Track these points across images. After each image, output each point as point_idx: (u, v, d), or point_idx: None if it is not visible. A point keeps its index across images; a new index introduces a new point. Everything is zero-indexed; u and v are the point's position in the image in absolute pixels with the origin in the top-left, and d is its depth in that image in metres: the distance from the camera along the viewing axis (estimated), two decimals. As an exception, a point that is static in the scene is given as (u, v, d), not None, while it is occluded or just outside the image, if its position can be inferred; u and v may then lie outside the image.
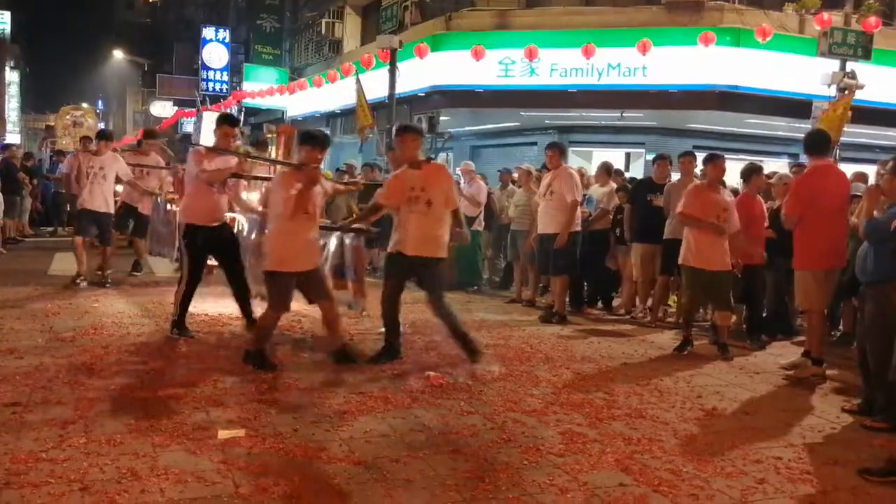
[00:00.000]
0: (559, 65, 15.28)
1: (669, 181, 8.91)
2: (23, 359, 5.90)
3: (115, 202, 10.00)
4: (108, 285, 9.53)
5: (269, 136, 22.89)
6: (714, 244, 7.14)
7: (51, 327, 7.08)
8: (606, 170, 10.12)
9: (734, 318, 8.44)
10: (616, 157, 15.87)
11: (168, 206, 10.10)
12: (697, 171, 8.65)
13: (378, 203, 6.49)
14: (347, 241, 6.80)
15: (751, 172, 8.00)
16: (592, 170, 12.78)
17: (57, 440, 4.20)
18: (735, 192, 8.52)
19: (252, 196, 7.38)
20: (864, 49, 12.90)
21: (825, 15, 12.87)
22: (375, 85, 15.59)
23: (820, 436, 5.09)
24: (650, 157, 12.77)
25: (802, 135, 7.50)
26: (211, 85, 29.49)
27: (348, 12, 24.29)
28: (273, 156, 8.63)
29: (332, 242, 7.51)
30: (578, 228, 8.75)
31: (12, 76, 48.00)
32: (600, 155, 16.17)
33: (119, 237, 11.39)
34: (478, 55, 14.84)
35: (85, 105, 28.53)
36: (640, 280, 9.10)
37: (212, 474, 3.86)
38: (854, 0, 15.44)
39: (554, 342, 7.59)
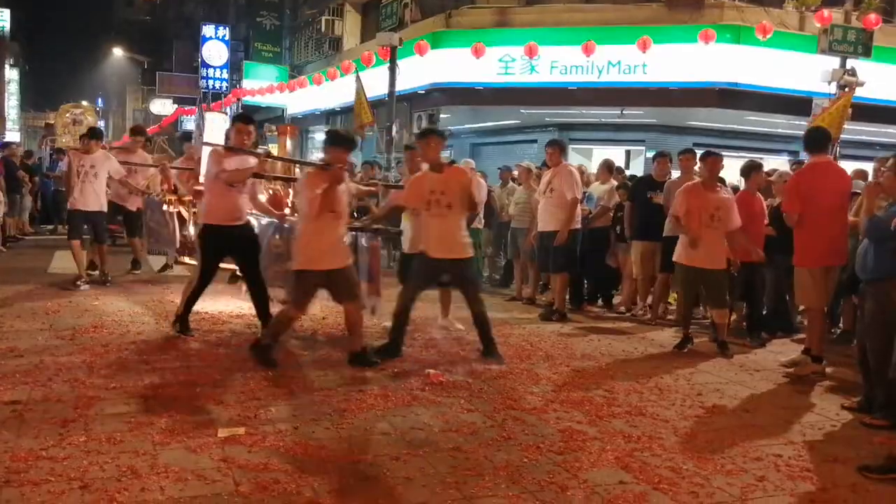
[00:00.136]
0: (559, 62, 15.26)
1: (669, 179, 8.91)
2: (23, 357, 5.90)
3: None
4: (108, 284, 9.48)
5: (270, 133, 22.88)
6: (708, 242, 7.14)
7: (51, 325, 7.08)
8: (608, 167, 10.12)
9: (734, 315, 8.49)
10: (616, 154, 15.85)
11: (165, 207, 9.91)
12: (697, 168, 8.63)
13: (398, 204, 6.59)
14: (363, 241, 6.79)
15: (750, 170, 8.00)
16: (593, 167, 12.80)
17: (57, 438, 4.21)
18: (735, 189, 8.52)
19: (260, 198, 7.35)
20: (864, 46, 12.88)
21: (825, 12, 12.83)
22: (375, 82, 15.59)
23: (820, 433, 5.10)
24: (650, 154, 12.77)
25: (802, 132, 7.49)
26: (211, 83, 29.46)
27: (348, 10, 24.28)
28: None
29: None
30: (578, 226, 8.75)
31: (12, 74, 47.90)
32: (600, 152, 16.17)
33: (119, 235, 11.41)
34: (478, 53, 14.82)
35: (85, 103, 28.38)
36: (640, 278, 9.10)
37: (212, 472, 3.86)
38: (854, -3, 15.43)
39: (554, 340, 7.59)
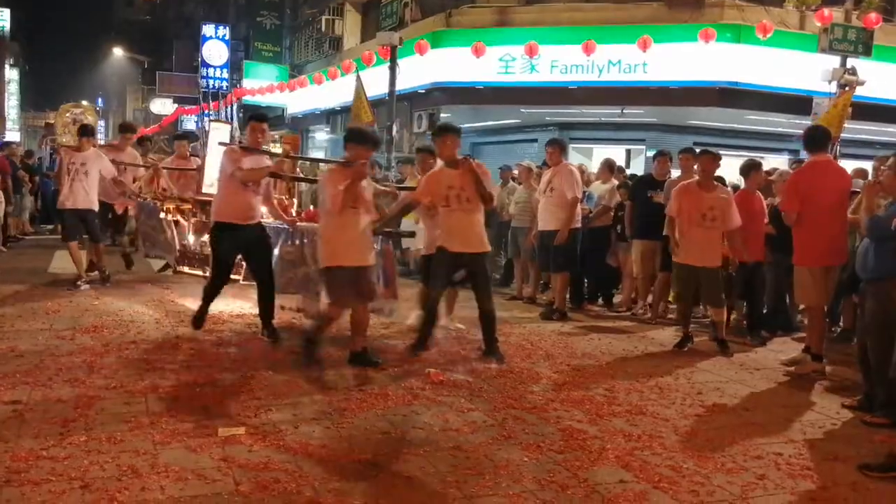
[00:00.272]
0: (559, 61, 15.25)
1: (670, 178, 8.91)
2: (23, 357, 5.90)
3: None
4: (108, 284, 9.43)
5: (273, 142, 22.95)
6: (701, 241, 7.15)
7: (51, 325, 7.08)
8: (609, 166, 10.11)
9: (734, 314, 8.49)
10: (617, 153, 15.85)
11: (162, 215, 9.66)
12: (696, 167, 8.64)
13: (412, 202, 6.65)
14: (377, 245, 6.77)
15: (750, 169, 8.00)
16: (593, 167, 12.79)
17: (57, 438, 4.21)
18: (736, 188, 8.52)
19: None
20: (864, 45, 12.89)
21: (826, 11, 12.82)
22: (376, 82, 15.59)
23: (820, 432, 5.10)
24: (651, 153, 12.77)
25: (803, 131, 7.49)
26: (211, 82, 29.45)
27: (348, 9, 24.27)
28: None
29: None
30: (579, 225, 8.76)
31: (12, 74, 47.93)
32: (601, 151, 16.17)
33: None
34: (478, 52, 14.81)
35: (85, 103, 28.35)
36: (641, 276, 9.10)
37: (212, 472, 3.86)
38: (854, -4, 15.43)
39: (554, 339, 7.59)
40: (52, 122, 20.51)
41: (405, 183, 10.01)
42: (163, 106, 38.22)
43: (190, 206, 9.35)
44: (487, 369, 6.17)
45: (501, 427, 4.80)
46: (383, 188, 7.51)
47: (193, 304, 7.94)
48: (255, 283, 7.02)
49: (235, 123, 22.69)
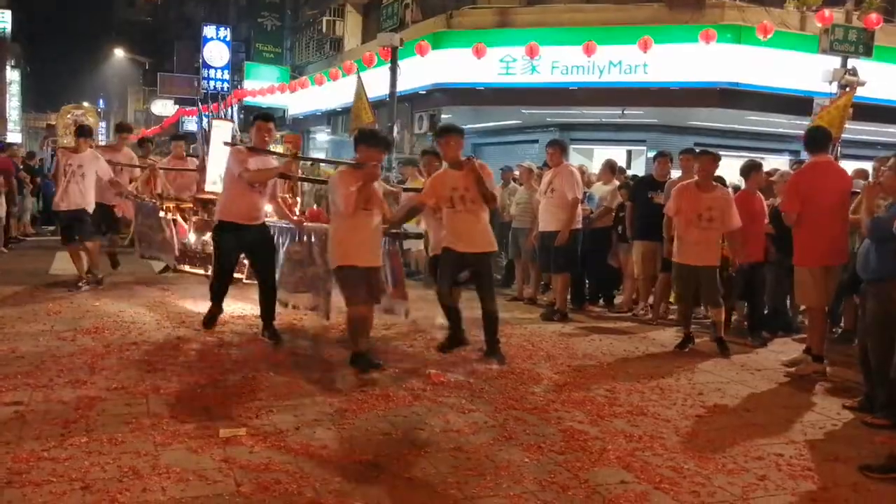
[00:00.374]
0: (560, 62, 15.26)
1: (670, 178, 8.91)
2: (24, 358, 5.91)
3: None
4: (101, 286, 9.24)
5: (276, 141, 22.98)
6: (697, 241, 7.16)
7: (52, 327, 7.08)
8: (610, 167, 10.11)
9: (735, 315, 8.49)
10: (617, 154, 15.84)
11: (161, 214, 9.53)
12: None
13: (417, 204, 6.63)
14: (385, 246, 6.77)
15: (750, 169, 8.00)
16: (594, 167, 12.80)
17: (58, 439, 4.21)
18: (736, 188, 8.52)
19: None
20: (865, 46, 12.89)
21: (826, 12, 12.82)
22: (376, 83, 15.60)
23: (821, 432, 5.09)
24: (651, 154, 12.77)
25: (803, 132, 7.49)
26: (212, 83, 29.47)
27: (349, 10, 24.29)
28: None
29: None
30: (579, 226, 8.75)
31: (13, 75, 47.98)
32: (601, 152, 16.17)
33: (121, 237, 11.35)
34: (479, 53, 14.82)
35: (86, 104, 28.47)
36: (642, 277, 9.10)
37: (213, 473, 3.87)
38: (855, -4, 15.43)
39: (555, 340, 7.59)
40: (54, 123, 20.55)
41: (406, 184, 10.00)
42: (164, 107, 38.29)
43: (190, 205, 9.33)
44: (488, 370, 6.17)
45: (502, 428, 4.80)
46: (390, 188, 7.51)
47: (194, 305, 7.98)
48: (256, 282, 7.01)
49: (236, 124, 22.68)
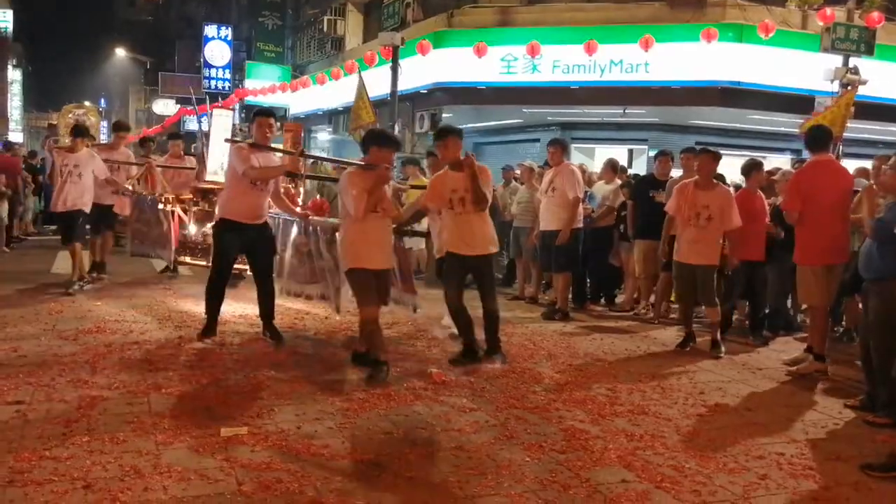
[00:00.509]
0: (561, 61, 15.27)
1: (672, 178, 8.91)
2: (26, 357, 5.92)
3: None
4: (82, 288, 8.98)
5: (278, 132, 22.98)
6: (694, 239, 7.16)
7: (53, 326, 7.09)
8: (612, 167, 10.10)
9: (736, 314, 8.48)
10: (619, 153, 15.84)
11: (161, 206, 9.39)
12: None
13: (422, 207, 6.56)
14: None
15: (751, 168, 7.99)
16: (595, 167, 12.79)
17: (60, 438, 4.22)
18: (738, 187, 8.52)
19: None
20: (866, 44, 12.90)
21: (828, 10, 12.82)
22: (377, 82, 15.59)
23: (822, 432, 5.09)
24: (653, 153, 12.78)
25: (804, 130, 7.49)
26: (213, 83, 29.49)
27: (350, 9, 24.30)
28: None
29: None
30: (580, 225, 8.75)
31: (15, 74, 48.00)
32: (603, 151, 16.18)
33: (121, 235, 11.32)
34: (480, 52, 14.83)
35: (87, 103, 28.47)
36: (643, 276, 9.10)
37: (215, 472, 3.87)
38: (857, -5, 15.43)
39: (556, 339, 7.59)
40: (55, 122, 20.54)
41: (409, 182, 10.00)
42: (165, 106, 38.30)
43: (190, 197, 9.25)
44: (490, 369, 6.16)
45: (504, 427, 4.80)
46: (398, 185, 7.47)
47: (195, 304, 7.96)
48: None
49: (237, 122, 22.73)
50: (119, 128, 11.72)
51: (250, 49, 30.80)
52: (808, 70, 13.48)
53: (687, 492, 3.93)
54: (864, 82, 12.40)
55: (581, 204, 8.75)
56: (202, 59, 30.22)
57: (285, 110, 26.91)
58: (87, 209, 9.12)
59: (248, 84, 27.23)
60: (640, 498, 3.82)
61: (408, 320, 7.70)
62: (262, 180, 6.55)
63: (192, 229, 9.24)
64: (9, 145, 17.56)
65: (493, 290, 6.51)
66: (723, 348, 7.21)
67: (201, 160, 9.33)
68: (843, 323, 8.26)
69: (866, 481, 4.20)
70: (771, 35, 13.44)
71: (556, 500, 3.77)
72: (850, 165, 8.45)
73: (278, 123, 7.89)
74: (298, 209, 7.09)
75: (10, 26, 45.38)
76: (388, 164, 5.99)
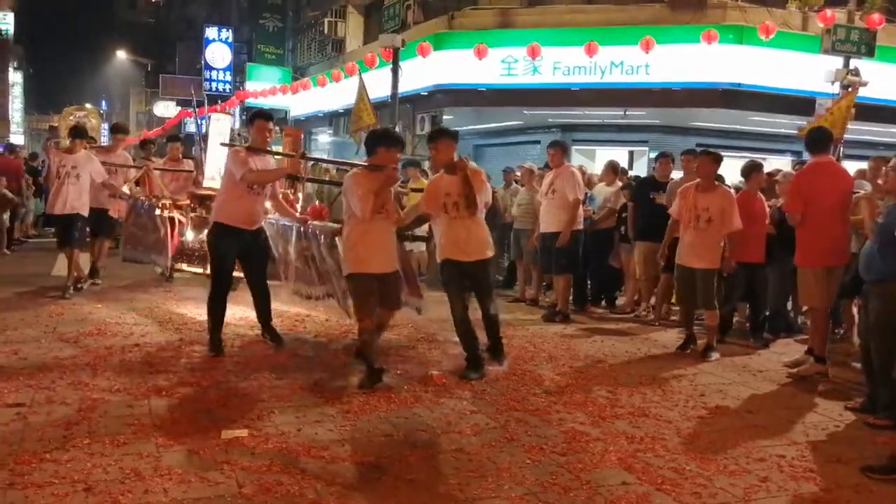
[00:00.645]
0: (562, 63, 15.27)
1: (672, 179, 8.91)
2: (26, 360, 5.92)
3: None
4: (67, 296, 8.74)
5: (276, 136, 22.99)
6: (693, 242, 7.15)
7: (54, 328, 7.10)
8: (613, 168, 10.08)
9: (737, 316, 8.47)
10: (619, 155, 15.86)
11: (158, 212, 9.19)
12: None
13: (424, 213, 6.39)
14: None
15: (751, 170, 7.98)
16: (596, 168, 12.78)
17: (61, 441, 4.22)
18: (738, 189, 8.51)
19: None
20: (867, 46, 12.90)
21: (828, 12, 12.83)
22: (378, 84, 15.60)
23: (823, 434, 5.09)
24: (653, 155, 12.78)
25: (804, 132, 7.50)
26: (214, 85, 29.50)
27: (351, 11, 24.31)
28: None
29: None
30: (581, 227, 8.74)
31: (16, 77, 48.02)
32: (603, 153, 16.18)
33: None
34: (480, 54, 14.83)
35: (88, 105, 28.54)
36: (644, 278, 9.10)
37: (215, 474, 3.87)
38: (857, -3, 15.43)
39: (557, 341, 7.59)
40: (56, 125, 20.56)
41: (410, 185, 9.98)
42: (166, 109, 38.30)
43: (188, 203, 9.17)
44: (490, 371, 6.16)
45: (504, 429, 4.80)
46: (399, 189, 7.43)
47: (196, 307, 7.97)
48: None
49: (237, 125, 22.74)
50: (117, 130, 11.65)
51: (251, 51, 30.82)
52: (808, 72, 13.48)
53: (687, 494, 3.93)
54: (864, 84, 12.40)
55: (581, 206, 8.74)
56: (203, 62, 30.23)
57: (286, 112, 26.92)
58: (85, 212, 9.03)
59: (249, 86, 27.23)
60: (640, 500, 3.82)
61: (408, 322, 7.70)
62: (260, 184, 6.46)
63: (190, 236, 9.11)
64: (11, 148, 17.58)
65: (492, 296, 6.39)
66: (715, 354, 7.14)
67: (199, 165, 9.22)
68: (844, 325, 8.25)
69: (867, 483, 4.20)
70: (771, 37, 13.44)
71: (556, 503, 3.77)
72: (851, 167, 8.44)
73: (277, 128, 7.83)
74: (297, 214, 7.04)
75: (11, 28, 45.43)
76: (395, 164, 5.93)
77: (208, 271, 7.08)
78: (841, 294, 6.90)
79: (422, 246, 9.78)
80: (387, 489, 3.82)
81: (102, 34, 68.03)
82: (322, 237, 6.68)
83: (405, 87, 15.53)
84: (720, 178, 7.84)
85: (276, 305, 7.00)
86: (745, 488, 4.04)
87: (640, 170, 15.70)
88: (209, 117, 10.04)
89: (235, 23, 33.48)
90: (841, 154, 10.69)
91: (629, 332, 8.27)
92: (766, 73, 14.11)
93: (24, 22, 55.38)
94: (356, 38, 24.19)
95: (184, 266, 9.28)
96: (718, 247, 7.22)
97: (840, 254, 6.48)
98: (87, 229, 9.42)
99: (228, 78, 30.01)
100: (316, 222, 6.88)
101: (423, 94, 16.97)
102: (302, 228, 6.81)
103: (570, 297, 9.08)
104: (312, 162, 12.64)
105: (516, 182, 11.15)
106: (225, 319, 6.94)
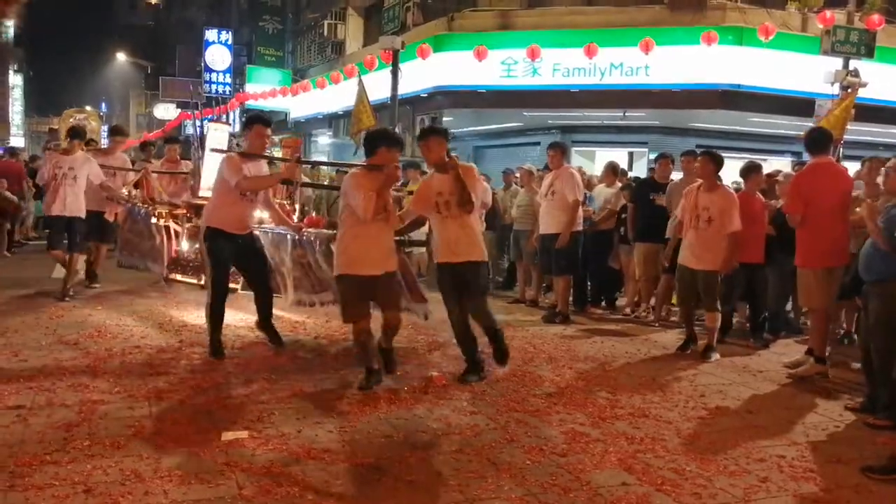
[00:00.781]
0: (561, 65, 15.29)
1: (672, 180, 8.91)
2: (27, 362, 5.92)
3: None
4: (67, 299, 8.66)
5: (274, 145, 23.02)
6: (696, 243, 7.15)
7: (54, 330, 7.10)
8: (613, 170, 10.09)
9: (737, 317, 8.47)
10: (619, 156, 15.88)
11: (154, 220, 9.10)
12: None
13: (420, 217, 6.25)
14: None
15: (750, 171, 7.99)
16: (594, 169, 12.79)
17: (61, 443, 4.22)
18: (738, 189, 8.51)
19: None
20: (867, 47, 12.91)
21: (828, 13, 12.85)
22: (378, 86, 15.60)
23: (823, 434, 5.09)
24: (653, 156, 12.79)
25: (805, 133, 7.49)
26: (214, 87, 29.51)
27: (350, 13, 24.33)
28: (277, 167, 8.20)
29: None
30: (580, 228, 8.75)
31: (16, 79, 48.15)
32: (603, 154, 16.20)
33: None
34: (480, 55, 14.85)
35: (88, 108, 28.66)
36: (643, 279, 9.10)
37: (215, 476, 3.87)
38: (856, -3, 15.44)
39: (557, 342, 7.59)
40: (56, 127, 20.62)
41: (409, 187, 9.98)
42: (166, 111, 38.32)
43: (184, 211, 9.10)
44: (490, 372, 6.16)
45: (504, 430, 4.80)
46: (396, 193, 7.39)
47: (195, 309, 7.96)
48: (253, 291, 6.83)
49: (237, 128, 22.74)
50: (116, 132, 11.58)
51: (251, 53, 30.82)
52: (808, 73, 13.49)
53: (687, 494, 3.93)
54: (864, 85, 12.41)
55: (581, 207, 8.75)
56: (203, 64, 30.24)
57: (285, 114, 26.94)
58: (83, 214, 8.94)
59: (249, 88, 27.24)
60: (640, 501, 3.82)
61: (408, 323, 7.69)
62: (257, 190, 6.40)
63: (185, 246, 8.99)
64: (12, 151, 17.59)
65: (483, 302, 6.12)
66: (715, 354, 7.14)
67: (196, 173, 9.10)
68: (844, 325, 8.25)
69: (867, 484, 4.20)
70: (771, 38, 13.46)
71: (556, 503, 3.77)
72: (851, 168, 8.44)
73: (277, 139, 7.78)
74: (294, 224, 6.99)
75: (12, 31, 45.51)
76: (396, 164, 5.87)
77: (202, 282, 6.99)
78: (841, 295, 6.90)
79: (422, 248, 9.78)
80: (387, 490, 3.83)
81: (102, 36, 68.24)
82: (317, 244, 6.66)
83: (405, 88, 15.54)
84: (718, 179, 7.85)
85: (275, 309, 6.98)
86: (745, 489, 4.04)
87: (640, 171, 15.70)
88: (206, 121, 9.94)
89: (235, 25, 33.50)
90: (841, 155, 10.69)
91: (629, 333, 8.27)
92: (766, 75, 14.13)
93: (25, 24, 55.41)
94: (356, 40, 24.21)
95: (178, 276, 9.15)
96: (720, 247, 7.17)
97: (840, 254, 6.48)
98: (85, 232, 9.27)
99: (228, 80, 30.03)
100: (311, 229, 6.85)
101: (422, 95, 16.98)
102: (297, 236, 6.76)
103: (570, 298, 9.09)
104: (312, 166, 12.61)
105: (516, 183, 11.15)
106: (225, 321, 6.93)
